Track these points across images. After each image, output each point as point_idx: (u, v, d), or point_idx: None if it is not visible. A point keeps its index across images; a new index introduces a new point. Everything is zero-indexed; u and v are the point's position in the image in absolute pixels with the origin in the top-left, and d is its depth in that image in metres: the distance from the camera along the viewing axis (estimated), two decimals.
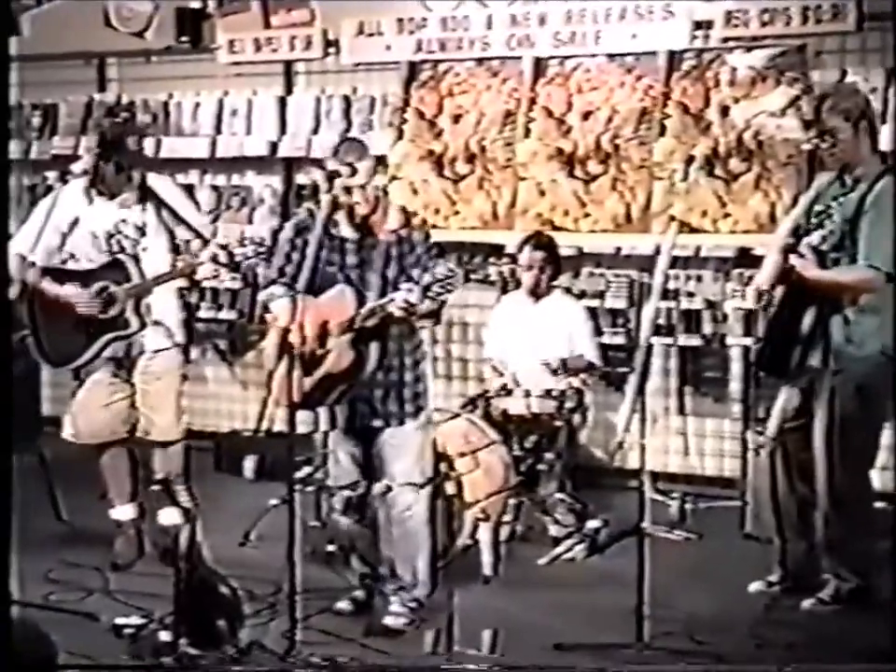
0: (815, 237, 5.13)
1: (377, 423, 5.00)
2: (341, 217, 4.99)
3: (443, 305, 5.02)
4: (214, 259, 5.49)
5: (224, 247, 5.53)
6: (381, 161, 5.17)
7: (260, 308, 5.22)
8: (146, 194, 5.70)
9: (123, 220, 5.68)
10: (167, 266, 5.66)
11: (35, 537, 5.57)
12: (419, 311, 4.90)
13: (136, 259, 5.63)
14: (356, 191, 4.92)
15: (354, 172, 4.84)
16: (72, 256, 5.74)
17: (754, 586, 5.39)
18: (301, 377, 4.73)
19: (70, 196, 5.79)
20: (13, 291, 5.55)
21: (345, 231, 5.02)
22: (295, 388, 4.60)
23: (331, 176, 4.78)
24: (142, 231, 5.67)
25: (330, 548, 5.15)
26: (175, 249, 5.68)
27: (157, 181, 5.86)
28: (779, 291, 5.16)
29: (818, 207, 5.19)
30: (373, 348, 4.89)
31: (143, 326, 5.63)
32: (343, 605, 5.10)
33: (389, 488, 4.97)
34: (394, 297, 4.86)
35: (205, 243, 5.63)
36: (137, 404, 5.75)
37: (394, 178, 7.38)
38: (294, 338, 4.78)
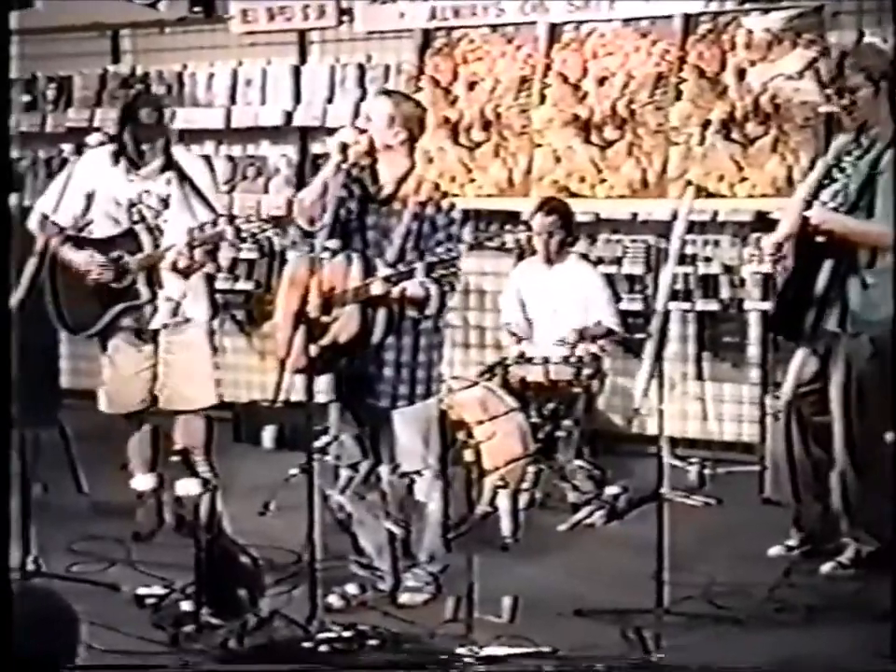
0: (830, 196, 5.11)
1: (384, 403, 4.86)
2: (380, 167, 4.85)
3: (452, 289, 4.74)
4: (220, 236, 5.47)
5: (232, 221, 5.51)
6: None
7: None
8: (170, 166, 5.69)
9: (147, 191, 5.67)
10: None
11: (57, 509, 5.61)
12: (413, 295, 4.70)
13: (152, 230, 5.62)
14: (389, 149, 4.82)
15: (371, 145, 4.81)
16: (92, 220, 5.73)
17: (773, 550, 5.40)
18: (306, 343, 4.57)
19: (97, 161, 5.75)
20: (35, 250, 5.56)
21: (374, 188, 4.87)
22: (302, 355, 4.55)
23: (345, 147, 4.75)
24: (165, 203, 5.66)
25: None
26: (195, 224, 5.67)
27: (182, 154, 5.86)
28: (793, 249, 5.12)
29: (834, 168, 5.17)
30: (381, 317, 4.72)
31: (154, 297, 5.63)
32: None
33: (397, 467, 4.90)
34: (374, 280, 4.64)
35: (217, 218, 5.61)
36: (163, 375, 5.76)
37: None
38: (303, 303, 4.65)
